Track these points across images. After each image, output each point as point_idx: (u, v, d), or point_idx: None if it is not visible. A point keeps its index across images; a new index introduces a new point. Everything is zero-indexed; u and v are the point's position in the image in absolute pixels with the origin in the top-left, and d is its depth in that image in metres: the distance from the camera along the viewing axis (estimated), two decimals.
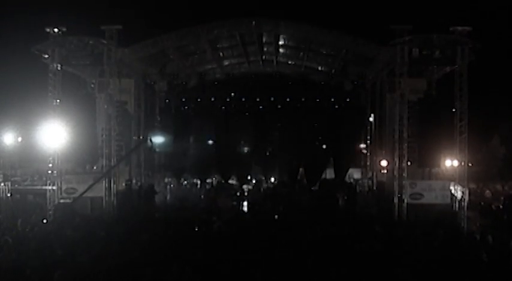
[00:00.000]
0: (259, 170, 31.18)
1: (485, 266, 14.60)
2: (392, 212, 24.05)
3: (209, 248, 15.75)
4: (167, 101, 31.87)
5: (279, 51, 30.60)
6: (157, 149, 29.90)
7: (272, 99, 31.38)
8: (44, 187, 25.74)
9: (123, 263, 14.13)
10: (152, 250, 15.87)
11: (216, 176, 30.83)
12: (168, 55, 28.47)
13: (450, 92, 23.87)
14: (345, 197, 27.31)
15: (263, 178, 30.61)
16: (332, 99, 31.16)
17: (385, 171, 28.14)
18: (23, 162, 35.53)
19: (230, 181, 29.88)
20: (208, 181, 30.41)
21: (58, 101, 24.52)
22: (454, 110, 23.72)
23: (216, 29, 26.46)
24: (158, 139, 29.71)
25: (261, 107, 31.70)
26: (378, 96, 28.53)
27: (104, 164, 25.06)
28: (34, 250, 15.74)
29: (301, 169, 31.32)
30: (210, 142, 32.59)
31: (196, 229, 20.60)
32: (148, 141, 26.61)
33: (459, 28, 23.12)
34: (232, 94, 31.24)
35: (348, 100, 30.94)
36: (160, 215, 24.62)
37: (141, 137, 28.28)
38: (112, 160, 25.00)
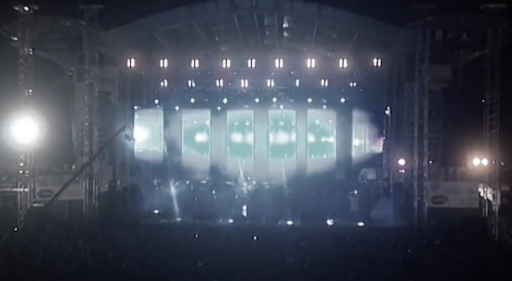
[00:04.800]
0: (260, 170, 31.10)
1: None
2: (411, 218, 23.89)
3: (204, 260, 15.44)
4: (156, 91, 31.76)
5: (282, 35, 30.20)
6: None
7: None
8: (14, 189, 25.54)
9: (106, 276, 14.08)
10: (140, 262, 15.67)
11: (211, 176, 30.76)
12: (156, 39, 28.02)
13: (479, 81, 23.60)
14: (358, 201, 27.01)
15: (264, 179, 30.48)
16: (342, 90, 31.13)
17: (403, 171, 27.81)
18: None
19: (228, 183, 29.74)
20: (202, 181, 30.33)
21: (30, 91, 24.16)
22: (483, 101, 23.40)
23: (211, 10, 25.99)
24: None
25: (261, 98, 31.82)
26: (395, 86, 28.16)
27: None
28: (4, 260, 15.56)
29: (306, 169, 31.05)
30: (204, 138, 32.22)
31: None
32: (126, 132, 26.04)
33: (491, 6, 22.58)
34: (230, 84, 30.90)
35: (360, 90, 30.74)
36: (148, 221, 24.46)
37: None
38: (95, 159, 24.75)
